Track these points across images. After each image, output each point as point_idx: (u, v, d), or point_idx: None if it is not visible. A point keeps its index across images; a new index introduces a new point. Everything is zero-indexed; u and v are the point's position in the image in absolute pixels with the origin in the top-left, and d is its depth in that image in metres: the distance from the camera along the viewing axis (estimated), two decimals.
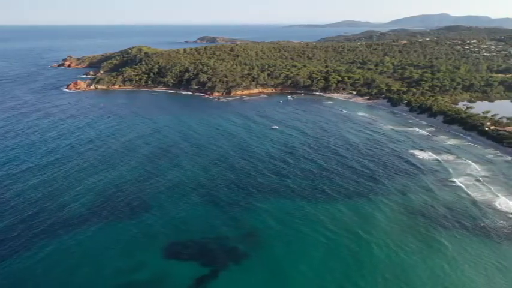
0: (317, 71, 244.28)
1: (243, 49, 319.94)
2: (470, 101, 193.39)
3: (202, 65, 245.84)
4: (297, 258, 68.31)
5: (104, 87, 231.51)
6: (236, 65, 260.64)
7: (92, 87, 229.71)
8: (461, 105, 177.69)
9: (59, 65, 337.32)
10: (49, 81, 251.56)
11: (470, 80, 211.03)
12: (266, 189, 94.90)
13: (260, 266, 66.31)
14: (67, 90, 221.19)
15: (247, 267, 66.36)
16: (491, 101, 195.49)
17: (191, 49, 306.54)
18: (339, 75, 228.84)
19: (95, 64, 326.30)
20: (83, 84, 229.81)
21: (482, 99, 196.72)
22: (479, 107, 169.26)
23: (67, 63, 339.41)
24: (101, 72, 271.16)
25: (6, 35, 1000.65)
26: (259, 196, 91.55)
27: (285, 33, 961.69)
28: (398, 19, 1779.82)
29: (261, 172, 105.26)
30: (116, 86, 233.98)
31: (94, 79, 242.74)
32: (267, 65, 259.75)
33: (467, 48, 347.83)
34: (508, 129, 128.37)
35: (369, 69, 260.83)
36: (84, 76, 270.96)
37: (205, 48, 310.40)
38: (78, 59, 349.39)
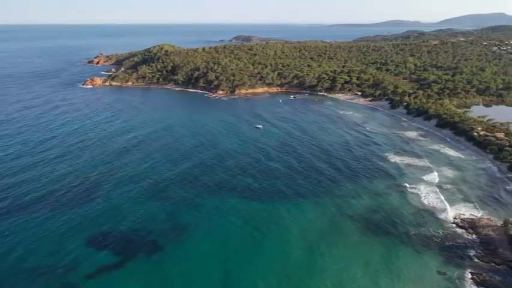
0: (330, 71, 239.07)
1: (262, 48, 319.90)
2: (485, 105, 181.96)
3: (214, 63, 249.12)
4: (215, 256, 68.27)
5: (118, 83, 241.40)
6: (250, 64, 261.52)
7: (107, 83, 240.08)
8: (475, 108, 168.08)
9: (89, 62, 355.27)
10: (71, 77, 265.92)
11: (489, 82, 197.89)
12: (223, 187, 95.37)
13: (167, 261, 67.13)
14: (83, 86, 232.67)
15: (154, 260, 67.34)
16: (508, 105, 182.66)
17: (210, 48, 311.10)
18: (347, 76, 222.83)
19: (121, 62, 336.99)
20: (98, 81, 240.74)
21: (497, 103, 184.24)
22: (493, 111, 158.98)
23: (96, 60, 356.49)
24: (122, 69, 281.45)
25: (40, 34, 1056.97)
26: (213, 193, 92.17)
27: (323, 33, 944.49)
28: (449, 19, 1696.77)
29: (226, 170, 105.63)
30: (129, 83, 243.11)
31: (110, 76, 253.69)
32: (280, 65, 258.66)
33: (504, 50, 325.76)
34: (498, 135, 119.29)
35: (388, 69, 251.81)
36: (105, 73, 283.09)
37: (224, 47, 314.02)
38: (107, 56, 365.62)
